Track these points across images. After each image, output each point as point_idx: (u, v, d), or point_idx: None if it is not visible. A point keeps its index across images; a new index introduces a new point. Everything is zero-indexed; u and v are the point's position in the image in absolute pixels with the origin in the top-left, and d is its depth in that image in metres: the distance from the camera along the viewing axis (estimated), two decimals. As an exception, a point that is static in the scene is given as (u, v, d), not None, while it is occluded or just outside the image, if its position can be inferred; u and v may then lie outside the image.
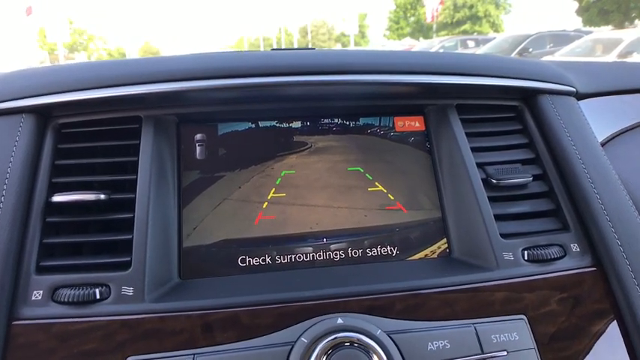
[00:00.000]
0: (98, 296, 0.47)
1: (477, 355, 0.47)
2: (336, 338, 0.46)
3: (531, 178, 0.59)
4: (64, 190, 0.52)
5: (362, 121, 0.62)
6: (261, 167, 0.59)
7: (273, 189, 0.58)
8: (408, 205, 0.59)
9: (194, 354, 0.46)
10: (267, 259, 0.55)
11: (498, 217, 0.56)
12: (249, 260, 0.55)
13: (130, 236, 0.50)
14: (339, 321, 0.47)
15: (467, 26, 25.17)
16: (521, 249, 0.54)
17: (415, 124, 0.63)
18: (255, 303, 0.48)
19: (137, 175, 0.53)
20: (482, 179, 0.58)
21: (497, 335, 0.49)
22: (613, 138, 0.70)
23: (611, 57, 6.23)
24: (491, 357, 0.48)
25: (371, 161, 0.61)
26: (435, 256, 0.58)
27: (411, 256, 0.57)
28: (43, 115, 0.54)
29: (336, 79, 0.57)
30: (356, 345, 0.45)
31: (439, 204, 0.60)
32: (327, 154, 0.60)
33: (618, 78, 0.78)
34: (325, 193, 0.59)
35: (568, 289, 0.53)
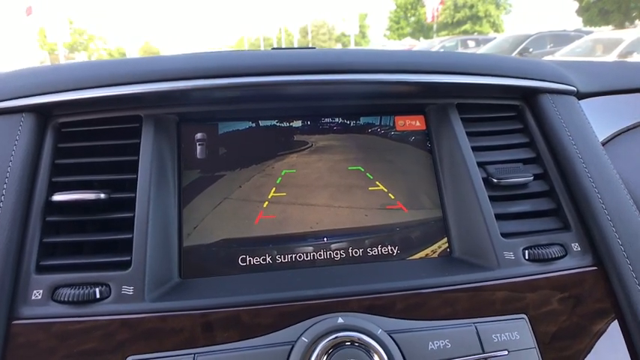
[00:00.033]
0: (98, 296, 0.47)
1: (477, 354, 0.47)
2: (336, 338, 0.46)
3: (532, 178, 0.59)
4: (64, 190, 0.52)
5: (362, 120, 0.62)
6: (261, 166, 0.59)
7: (274, 188, 0.58)
8: (409, 204, 0.59)
9: (194, 353, 0.46)
10: (268, 259, 0.55)
11: (499, 217, 0.56)
12: (250, 260, 0.55)
13: (130, 235, 0.50)
14: (340, 320, 0.47)
15: (467, 26, 25.17)
16: (521, 248, 0.54)
17: (416, 123, 0.63)
18: (256, 302, 0.48)
19: (137, 175, 0.53)
20: (483, 178, 0.57)
21: (498, 335, 0.49)
22: (614, 137, 0.70)
23: (612, 57, 6.22)
24: (492, 356, 0.48)
25: (371, 160, 0.61)
26: (435, 255, 0.58)
27: (411, 255, 0.57)
28: (43, 114, 0.54)
29: (336, 79, 0.57)
30: (357, 344, 0.45)
31: (440, 203, 0.60)
32: (328, 154, 0.60)
33: (619, 77, 0.78)
34: (326, 193, 0.58)
35: (569, 288, 0.53)
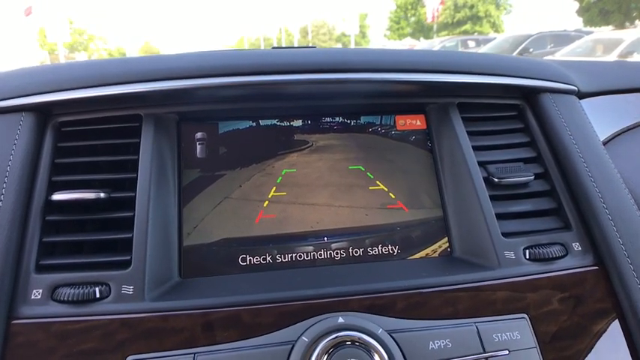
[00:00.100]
0: (98, 295, 0.47)
1: (478, 354, 0.47)
2: (337, 337, 0.45)
3: (533, 177, 0.59)
4: (64, 189, 0.51)
5: (363, 119, 0.62)
6: (261, 166, 0.58)
7: (274, 188, 0.58)
8: (409, 203, 0.59)
9: (194, 353, 0.45)
10: (268, 258, 0.55)
11: (500, 216, 0.56)
12: (250, 259, 0.55)
13: (130, 235, 0.50)
14: (340, 320, 0.47)
15: (467, 26, 25.16)
16: (522, 248, 0.54)
17: (416, 122, 0.63)
18: (256, 302, 0.48)
19: (137, 174, 0.53)
20: (483, 178, 0.57)
21: (499, 334, 0.49)
22: (614, 137, 0.69)
23: (612, 57, 6.22)
24: (493, 356, 0.47)
25: (372, 160, 0.60)
26: (436, 255, 0.57)
27: (412, 255, 0.57)
28: (42, 113, 0.54)
29: (337, 77, 0.57)
30: (357, 344, 0.45)
31: (440, 203, 0.60)
32: (328, 153, 0.60)
33: (620, 77, 0.78)
34: (326, 192, 0.58)
35: (570, 288, 0.53)
